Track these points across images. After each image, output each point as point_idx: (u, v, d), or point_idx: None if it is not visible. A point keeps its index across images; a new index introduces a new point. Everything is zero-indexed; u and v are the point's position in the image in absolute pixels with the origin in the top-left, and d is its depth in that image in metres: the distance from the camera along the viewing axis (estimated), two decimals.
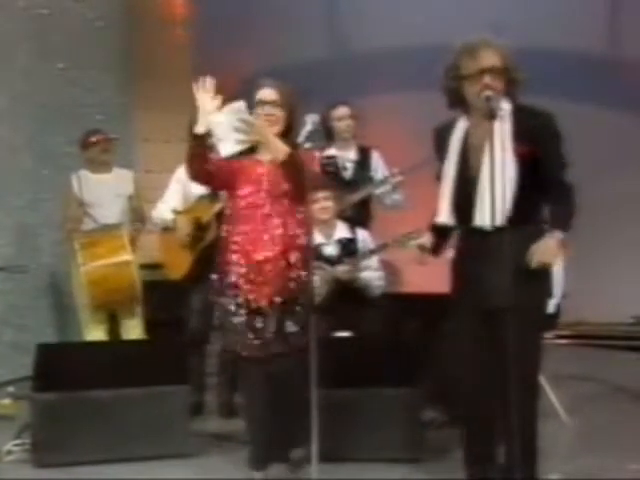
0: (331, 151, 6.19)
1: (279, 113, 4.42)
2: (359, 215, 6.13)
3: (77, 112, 7.33)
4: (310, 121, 4.28)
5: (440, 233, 4.10)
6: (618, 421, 5.66)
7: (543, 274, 3.94)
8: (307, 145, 4.20)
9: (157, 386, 5.05)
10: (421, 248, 4.12)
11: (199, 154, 4.34)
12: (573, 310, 8.31)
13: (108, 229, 6.32)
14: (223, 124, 4.23)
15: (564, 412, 5.55)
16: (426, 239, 4.15)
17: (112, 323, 6.40)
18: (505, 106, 3.86)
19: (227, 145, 4.27)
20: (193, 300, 5.92)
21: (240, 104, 4.27)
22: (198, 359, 5.91)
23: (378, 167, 6.23)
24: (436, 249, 4.14)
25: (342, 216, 5.96)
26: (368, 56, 9.41)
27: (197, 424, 5.51)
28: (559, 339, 8.20)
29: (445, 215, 3.97)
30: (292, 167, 4.23)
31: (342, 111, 6.22)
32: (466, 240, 3.98)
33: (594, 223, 8.25)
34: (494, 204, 3.70)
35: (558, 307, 5.56)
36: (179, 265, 5.89)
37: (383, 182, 6.08)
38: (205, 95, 4.35)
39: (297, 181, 4.26)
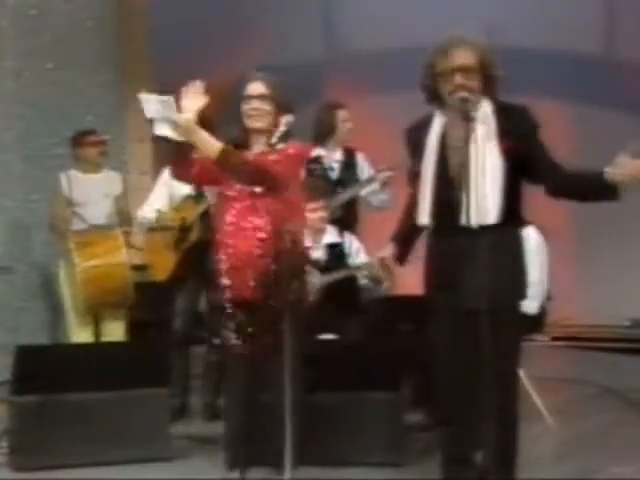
0: (317, 151, 6.15)
1: (267, 107, 4.31)
2: (346, 218, 6.08)
3: (67, 112, 7.29)
4: (284, 122, 4.24)
5: (406, 239, 4.05)
6: (606, 424, 5.63)
7: (521, 274, 3.91)
8: (280, 146, 4.15)
9: (137, 389, 5.01)
10: (375, 279, 4.06)
11: (183, 155, 4.30)
12: (569, 312, 8.31)
13: (102, 229, 6.29)
14: (154, 108, 4.10)
15: (549, 415, 5.50)
16: (387, 252, 4.09)
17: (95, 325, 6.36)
18: (485, 106, 3.81)
19: (161, 126, 4.12)
20: (177, 301, 5.90)
21: (168, 99, 4.11)
22: (182, 361, 5.88)
23: (364, 168, 6.20)
24: (402, 257, 4.09)
25: (330, 219, 5.92)
26: (365, 57, 9.39)
27: (180, 426, 5.49)
28: (555, 341, 8.18)
29: (426, 217, 3.88)
30: (226, 164, 4.15)
31: (345, 113, 6.22)
32: (446, 241, 3.86)
33: (592, 224, 8.24)
34: (481, 204, 3.66)
35: (543, 309, 5.52)
36: (163, 266, 5.87)
37: (370, 181, 6.03)
38: (191, 95, 4.19)
39: (239, 176, 4.21)
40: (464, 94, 3.71)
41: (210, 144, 4.16)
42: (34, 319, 7.25)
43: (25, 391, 4.92)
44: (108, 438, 4.94)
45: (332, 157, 6.18)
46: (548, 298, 5.54)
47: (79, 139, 6.48)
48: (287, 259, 4.21)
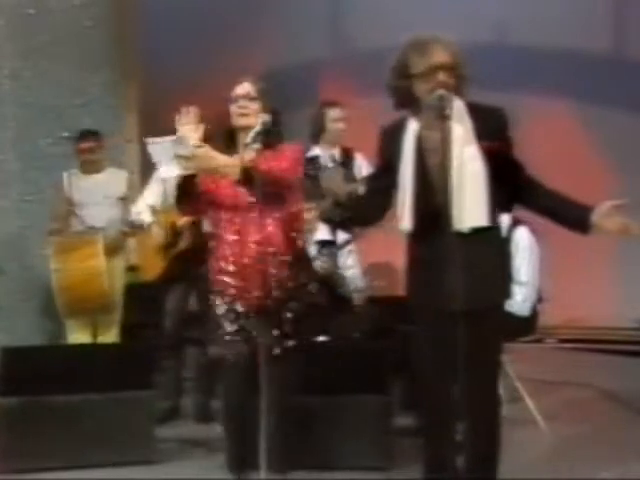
0: (315, 151, 6.10)
1: (253, 106, 4.34)
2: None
3: (64, 113, 7.25)
4: (260, 121, 4.20)
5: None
6: (600, 428, 5.57)
7: (502, 276, 3.87)
8: (255, 146, 4.11)
9: (123, 391, 4.98)
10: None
11: (189, 190, 4.28)
12: (577, 314, 8.25)
13: (86, 234, 6.19)
14: (162, 150, 4.04)
15: (542, 419, 5.43)
16: None
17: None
18: (458, 104, 3.72)
19: (168, 168, 4.08)
20: (167, 301, 5.87)
21: (178, 137, 4.06)
22: (174, 362, 5.84)
23: (362, 168, 6.11)
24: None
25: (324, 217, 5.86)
26: (370, 56, 9.33)
27: (170, 429, 5.47)
28: (562, 343, 8.13)
29: (408, 222, 3.77)
30: (249, 180, 4.11)
31: (339, 112, 6.13)
32: (427, 244, 3.73)
33: None
34: (462, 207, 3.58)
35: (534, 311, 5.44)
36: (153, 267, 5.84)
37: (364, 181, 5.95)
38: (186, 127, 4.19)
39: (263, 189, 4.16)
40: (442, 92, 3.62)
41: (231, 165, 4.14)
42: (29, 320, 7.21)
43: (10, 393, 4.89)
44: (93, 440, 4.92)
45: (328, 157, 6.12)
46: (539, 299, 5.47)
47: (75, 141, 6.45)
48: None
